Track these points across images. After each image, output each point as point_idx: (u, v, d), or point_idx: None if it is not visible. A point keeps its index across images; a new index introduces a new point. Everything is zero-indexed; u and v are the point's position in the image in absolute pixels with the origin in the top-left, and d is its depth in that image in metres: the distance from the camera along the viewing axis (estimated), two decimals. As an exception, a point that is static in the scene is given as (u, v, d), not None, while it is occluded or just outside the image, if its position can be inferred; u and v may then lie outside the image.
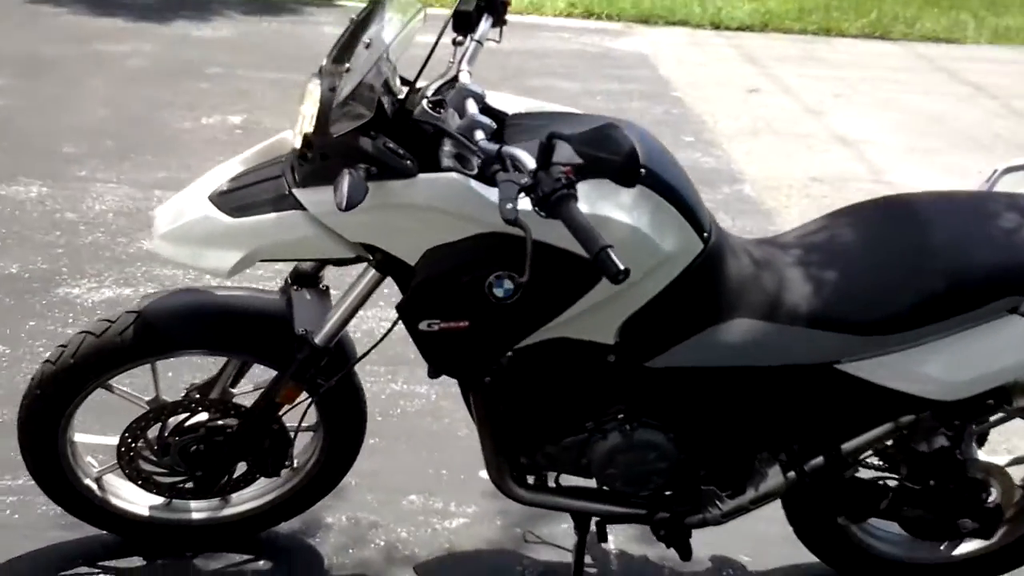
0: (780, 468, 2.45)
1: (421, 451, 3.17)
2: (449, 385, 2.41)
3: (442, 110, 2.21)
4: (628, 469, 2.42)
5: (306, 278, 2.43)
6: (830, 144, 6.37)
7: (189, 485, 2.56)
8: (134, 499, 2.65)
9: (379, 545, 2.81)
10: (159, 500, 2.64)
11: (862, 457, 2.50)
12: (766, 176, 5.76)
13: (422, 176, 2.08)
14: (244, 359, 2.50)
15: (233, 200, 2.21)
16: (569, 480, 2.53)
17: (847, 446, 2.44)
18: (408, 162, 2.07)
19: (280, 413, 2.47)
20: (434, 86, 2.28)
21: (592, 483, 2.51)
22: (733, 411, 2.40)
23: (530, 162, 1.93)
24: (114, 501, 2.63)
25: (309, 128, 2.10)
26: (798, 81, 7.69)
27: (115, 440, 2.52)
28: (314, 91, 2.12)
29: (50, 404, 2.43)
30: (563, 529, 2.84)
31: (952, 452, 2.46)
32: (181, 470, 2.52)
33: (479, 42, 2.36)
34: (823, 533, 2.68)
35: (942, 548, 2.75)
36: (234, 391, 2.53)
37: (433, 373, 2.33)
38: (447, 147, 2.15)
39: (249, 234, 2.16)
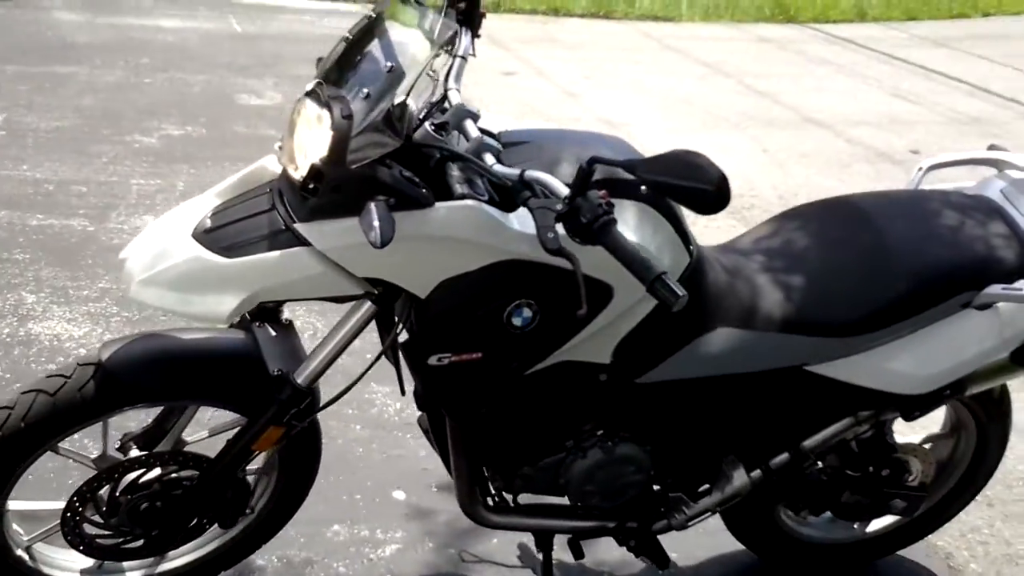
0: (744, 469, 2.51)
1: (327, 475, 3.01)
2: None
3: (444, 133, 2.07)
4: (605, 484, 2.41)
5: (267, 313, 2.22)
6: (599, 127, 6.55)
7: (136, 545, 2.33)
8: (66, 565, 2.40)
9: (321, 584, 2.69)
10: (91, 563, 2.40)
11: (820, 451, 2.59)
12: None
13: (439, 205, 1.96)
14: (213, 406, 2.30)
15: (222, 238, 2.01)
16: (529, 500, 2.50)
17: (808, 443, 2.52)
18: (424, 191, 1.96)
19: (250, 460, 2.30)
20: (422, 107, 2.12)
21: (554, 500, 2.49)
22: (710, 419, 2.42)
23: (560, 187, 1.88)
24: (45, 571, 2.37)
25: (316, 159, 1.90)
26: (548, 63, 7.87)
27: (54, 504, 2.27)
28: (315, 117, 1.92)
29: None
30: (494, 544, 2.83)
31: (883, 437, 2.62)
32: (128, 530, 2.29)
33: (463, 57, 2.22)
34: (753, 522, 2.79)
35: (856, 527, 2.92)
36: (187, 439, 2.33)
37: (426, 406, 2.24)
38: (455, 172, 2.03)
39: (249, 275, 1.98)
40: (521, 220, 1.98)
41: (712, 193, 1.80)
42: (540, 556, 2.58)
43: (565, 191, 1.87)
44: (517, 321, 2.07)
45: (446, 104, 2.12)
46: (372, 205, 1.85)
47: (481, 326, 2.07)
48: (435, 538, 2.87)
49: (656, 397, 2.32)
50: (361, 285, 2.04)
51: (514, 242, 1.98)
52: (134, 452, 2.28)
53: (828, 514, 2.78)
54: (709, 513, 2.56)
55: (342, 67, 2.04)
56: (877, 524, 2.92)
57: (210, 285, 1.99)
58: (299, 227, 1.97)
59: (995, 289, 2.33)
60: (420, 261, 2.01)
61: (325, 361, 2.16)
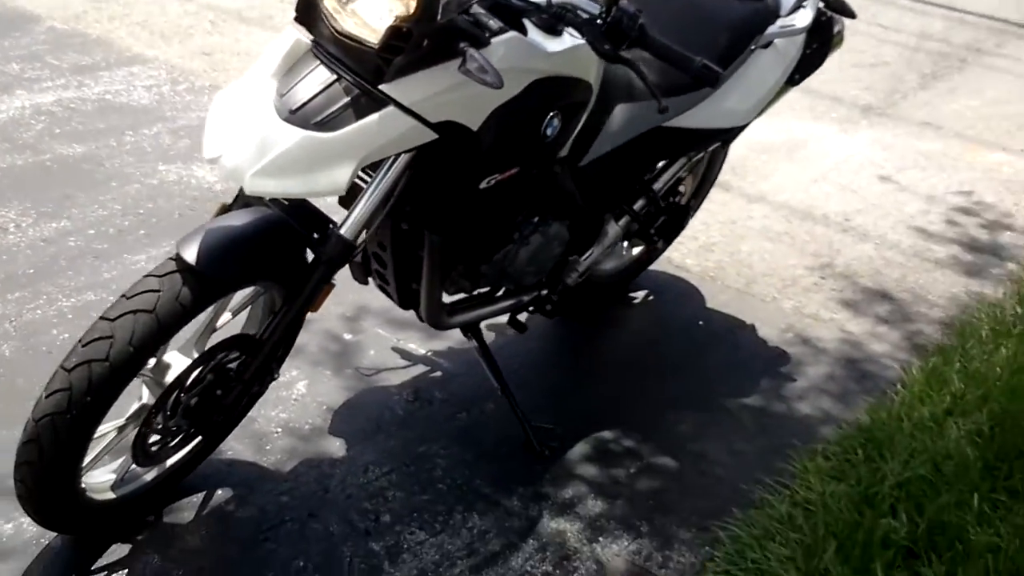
0: (615, 221, 3.03)
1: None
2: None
3: None
4: (538, 262, 2.78)
5: None
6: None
7: (195, 441, 2.45)
8: (101, 482, 2.39)
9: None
10: (112, 479, 2.39)
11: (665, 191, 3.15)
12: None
13: (493, 41, 2.12)
14: (272, 283, 2.29)
15: (311, 115, 2.07)
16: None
17: (656, 185, 3.08)
18: (484, 32, 2.10)
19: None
20: None
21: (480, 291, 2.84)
22: (608, 183, 2.84)
23: (590, 5, 2.16)
24: (95, 497, 2.35)
25: (393, 20, 1.98)
26: None
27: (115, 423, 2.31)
28: None
29: (95, 410, 2.08)
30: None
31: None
32: (188, 428, 2.36)
33: None
34: None
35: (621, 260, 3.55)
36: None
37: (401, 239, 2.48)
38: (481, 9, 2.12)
39: (355, 143, 2.06)
40: (555, 41, 2.25)
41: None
42: (477, 345, 2.91)
43: (595, 7, 2.16)
44: (549, 132, 2.38)
45: None
46: (473, 52, 2.04)
47: (524, 142, 2.36)
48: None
49: (583, 175, 2.70)
50: (432, 132, 2.14)
51: (548, 60, 2.25)
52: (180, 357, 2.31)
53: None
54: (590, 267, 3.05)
55: None
56: (636, 250, 3.58)
57: (323, 161, 2.05)
58: (386, 88, 2.06)
59: (773, 29, 2.96)
60: (475, 96, 2.16)
61: (367, 214, 2.22)
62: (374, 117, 2.06)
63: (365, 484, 2.65)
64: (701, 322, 3.57)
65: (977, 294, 3.84)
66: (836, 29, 3.18)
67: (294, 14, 2.16)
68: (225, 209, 2.31)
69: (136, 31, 5.37)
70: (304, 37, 2.17)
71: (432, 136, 2.15)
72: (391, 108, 2.07)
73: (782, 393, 3.24)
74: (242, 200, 2.31)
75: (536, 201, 2.67)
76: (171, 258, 2.14)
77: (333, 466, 2.71)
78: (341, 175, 2.05)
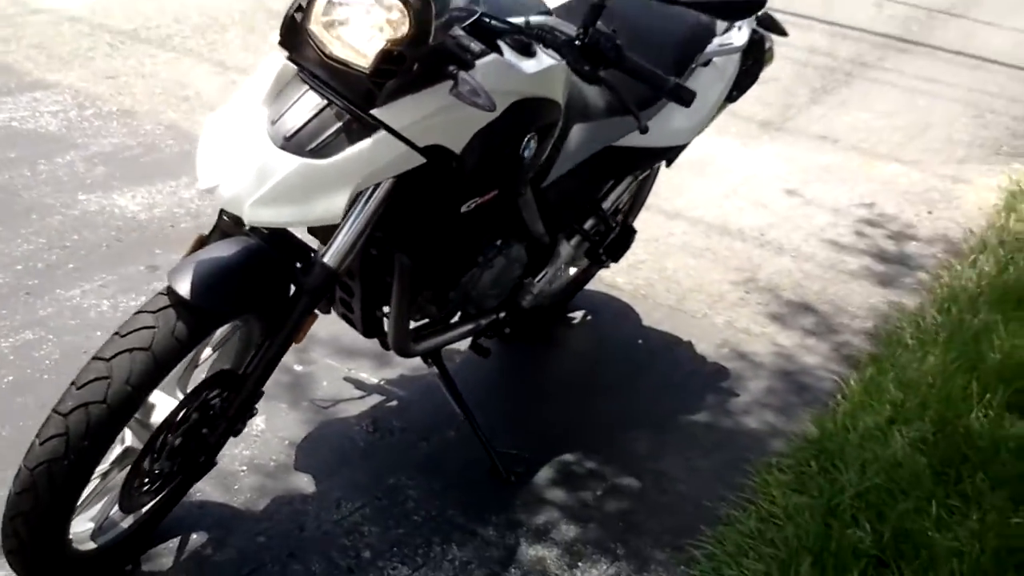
0: (567, 241, 3.05)
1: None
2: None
3: None
4: (499, 285, 2.83)
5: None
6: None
7: (175, 482, 2.39)
8: (82, 538, 2.30)
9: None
10: (91, 528, 2.31)
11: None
12: None
13: (477, 63, 2.12)
14: (256, 314, 2.24)
15: (305, 141, 2.07)
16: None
17: (605, 204, 3.14)
18: (468, 54, 2.11)
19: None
20: None
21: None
22: (564, 203, 2.87)
23: (565, 27, 2.23)
24: (79, 548, 2.27)
25: (384, 44, 1.98)
26: None
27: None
28: (371, 6, 2.01)
29: (91, 455, 2.02)
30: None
31: None
32: (172, 470, 2.32)
33: None
34: None
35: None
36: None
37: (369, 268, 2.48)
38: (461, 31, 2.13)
39: (349, 169, 2.06)
40: (530, 62, 2.26)
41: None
42: (438, 371, 2.91)
43: (571, 30, 2.21)
44: (527, 153, 2.39)
45: None
46: (465, 75, 2.05)
47: (504, 164, 2.37)
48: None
49: (544, 196, 2.72)
50: (420, 156, 2.15)
51: (526, 82, 2.26)
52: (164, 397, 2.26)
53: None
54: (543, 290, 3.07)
55: None
56: (573, 270, 3.55)
57: (319, 189, 2.04)
58: (378, 112, 2.05)
59: (712, 47, 3.04)
60: (460, 119, 2.17)
61: (350, 241, 2.18)
62: (367, 142, 2.06)
63: (340, 520, 2.63)
64: (640, 340, 3.64)
65: (896, 304, 3.99)
66: (767, 46, 3.29)
67: (278, 38, 2.13)
68: (203, 240, 2.27)
69: (33, 54, 5.22)
70: (288, 62, 2.15)
71: (420, 160, 2.15)
72: (383, 133, 2.07)
73: (727, 408, 3.32)
74: (220, 231, 2.27)
75: (504, 223, 2.70)
76: (161, 293, 2.09)
77: (305, 503, 2.68)
78: (337, 202, 2.05)
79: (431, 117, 2.11)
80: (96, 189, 4.02)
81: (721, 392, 3.39)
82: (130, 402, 2.01)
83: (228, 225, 2.25)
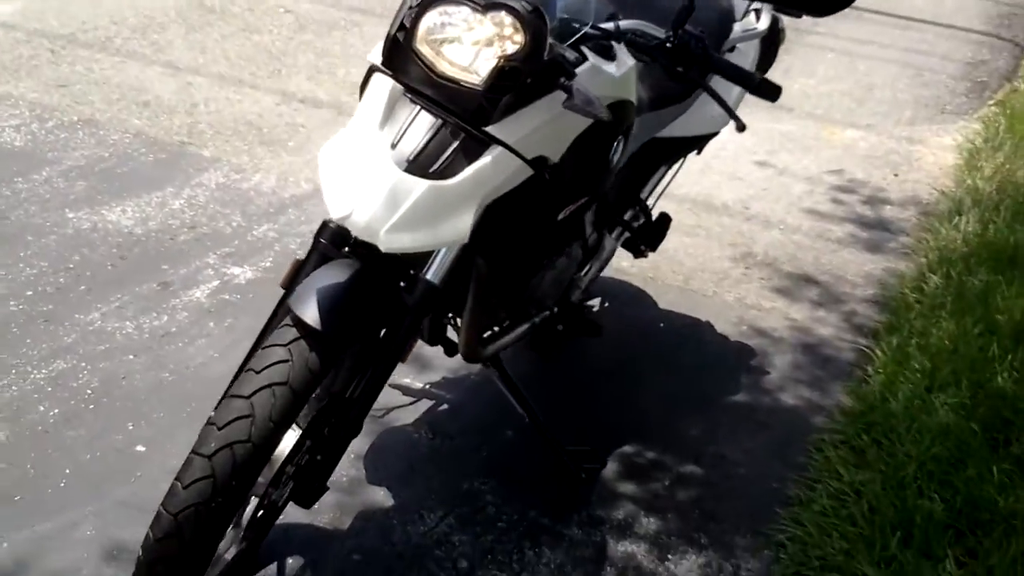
0: (609, 234, 3.07)
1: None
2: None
3: None
4: (559, 284, 2.87)
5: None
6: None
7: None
8: None
9: None
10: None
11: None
12: None
13: (578, 71, 2.11)
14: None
15: (427, 163, 2.05)
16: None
17: (643, 195, 3.20)
18: (572, 63, 2.11)
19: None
20: None
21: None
22: (619, 199, 2.96)
23: (654, 29, 2.26)
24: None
25: (497, 60, 1.98)
26: None
27: None
28: (479, 22, 1.99)
29: (238, 495, 1.98)
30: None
31: None
32: (286, 498, 2.36)
33: None
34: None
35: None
36: None
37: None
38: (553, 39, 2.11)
39: (473, 188, 2.05)
40: (614, 65, 2.24)
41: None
42: (499, 374, 2.86)
43: (659, 31, 2.25)
44: (615, 157, 2.42)
45: None
46: (577, 86, 2.03)
47: (597, 169, 2.39)
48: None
49: (605, 194, 2.72)
50: (529, 167, 2.14)
51: (615, 86, 2.25)
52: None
53: None
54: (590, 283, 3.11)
55: None
56: None
57: (447, 210, 2.03)
58: (493, 129, 2.05)
59: (736, 32, 3.00)
60: (561, 128, 2.17)
61: (451, 258, 2.19)
62: (487, 160, 2.05)
63: (427, 532, 2.61)
64: (661, 324, 3.67)
65: (890, 270, 4.09)
66: (780, 27, 3.32)
67: (380, 59, 2.10)
68: (300, 265, 2.23)
69: (-25, 66, 5.00)
70: (394, 82, 2.11)
71: (529, 173, 2.14)
72: (499, 149, 2.05)
73: (762, 386, 3.37)
74: (320, 253, 2.22)
75: (572, 224, 2.67)
76: (287, 324, 2.04)
77: (388, 516, 2.65)
78: (464, 222, 2.04)
79: (540, 129, 2.10)
80: (83, 205, 3.89)
81: (752, 371, 3.44)
82: (273, 438, 1.97)
83: (328, 248, 2.20)
